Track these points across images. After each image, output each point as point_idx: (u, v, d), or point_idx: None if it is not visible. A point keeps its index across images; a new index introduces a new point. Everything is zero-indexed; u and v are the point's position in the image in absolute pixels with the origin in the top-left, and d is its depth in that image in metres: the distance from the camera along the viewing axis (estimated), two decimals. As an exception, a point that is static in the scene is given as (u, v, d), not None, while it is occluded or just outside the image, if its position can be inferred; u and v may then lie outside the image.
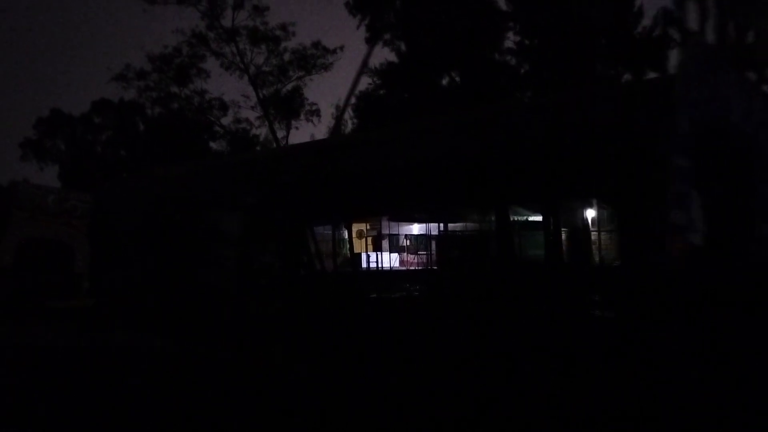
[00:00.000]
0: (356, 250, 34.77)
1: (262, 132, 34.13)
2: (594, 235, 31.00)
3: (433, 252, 31.87)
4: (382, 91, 27.50)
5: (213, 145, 37.71)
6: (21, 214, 12.47)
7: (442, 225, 31.26)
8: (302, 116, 32.77)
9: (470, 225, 31.38)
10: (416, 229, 34.57)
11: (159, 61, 32.31)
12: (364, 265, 31.22)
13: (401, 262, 31.64)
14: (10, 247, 12.04)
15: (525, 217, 30.09)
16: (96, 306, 12.34)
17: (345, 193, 13.20)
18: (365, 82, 28.40)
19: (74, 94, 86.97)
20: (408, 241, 34.07)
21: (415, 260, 32.08)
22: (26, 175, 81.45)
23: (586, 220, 29.51)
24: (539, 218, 29.90)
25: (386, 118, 24.60)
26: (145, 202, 13.62)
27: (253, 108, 32.90)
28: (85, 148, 55.40)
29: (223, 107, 33.31)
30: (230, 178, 13.97)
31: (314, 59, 31.94)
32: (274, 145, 32.78)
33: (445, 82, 25.62)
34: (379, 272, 29.57)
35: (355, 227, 32.79)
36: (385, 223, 31.70)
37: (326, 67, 32.20)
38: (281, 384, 6.54)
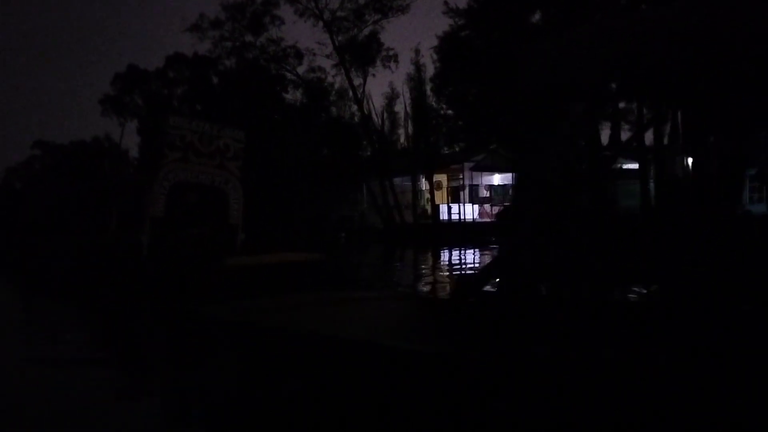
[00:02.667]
0: (435, 202, 33.71)
1: (337, 80, 33.01)
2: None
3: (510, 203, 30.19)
4: (464, 32, 25.71)
5: (287, 96, 36.86)
6: (173, 155, 10.86)
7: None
8: (378, 62, 31.39)
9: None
10: (497, 179, 33.06)
11: (233, 10, 31.50)
12: (443, 216, 30.04)
13: (481, 213, 30.21)
14: (161, 193, 10.56)
15: (619, 165, 28.08)
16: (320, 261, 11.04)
17: None
18: (447, 23, 26.63)
19: (151, 48, 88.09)
20: (489, 192, 32.58)
21: (494, 211, 30.60)
22: (108, 130, 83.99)
23: (687, 167, 27.19)
24: (633, 166, 27.91)
25: (471, 61, 22.92)
26: None
27: (328, 56, 31.88)
28: (161, 103, 56.00)
29: (298, 55, 32.42)
30: None
31: (391, 0, 30.33)
32: (351, 93, 31.70)
33: (536, 18, 23.60)
34: (460, 224, 28.32)
35: (435, 178, 31.60)
36: (465, 173, 30.27)
37: (403, 9, 30.59)
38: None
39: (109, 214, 13.87)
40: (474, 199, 31.50)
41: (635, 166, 28.40)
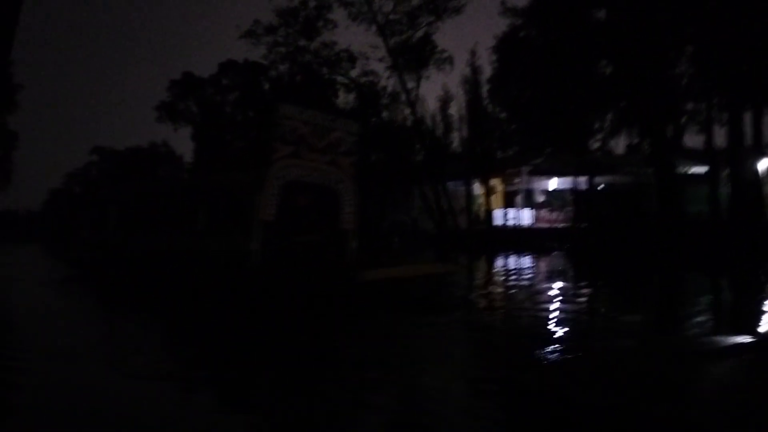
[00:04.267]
0: (490, 207, 32.89)
1: (390, 84, 32.53)
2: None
3: (571, 208, 29.12)
4: (523, 32, 24.86)
5: (339, 100, 36.57)
6: (284, 150, 9.49)
7: (586, 178, 28.47)
8: (432, 65, 30.77)
9: (619, 178, 28.38)
10: (553, 184, 32.00)
11: (286, 15, 31.40)
12: (498, 222, 29.16)
13: (537, 218, 29.22)
14: (273, 194, 9.23)
15: (685, 170, 26.67)
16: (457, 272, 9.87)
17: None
18: (504, 23, 25.80)
19: (204, 56, 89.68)
20: (545, 197, 31.53)
21: (553, 217, 29.53)
22: (163, 136, 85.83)
23: (757, 171, 25.61)
24: (701, 169, 26.51)
25: (530, 61, 22.07)
26: None
27: (381, 60, 31.50)
28: (214, 109, 56.85)
29: (351, 59, 32.12)
30: None
31: (445, 2, 29.66)
32: (404, 97, 31.16)
33: (601, 15, 22.57)
34: (516, 229, 27.41)
35: (489, 182, 30.77)
36: (523, 177, 29.33)
37: (458, 10, 29.91)
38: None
39: (194, 217, 12.20)
40: (530, 203, 30.55)
41: (703, 169, 26.48)
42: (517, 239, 24.43)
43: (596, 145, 30.33)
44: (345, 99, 35.95)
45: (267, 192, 9.10)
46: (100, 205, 15.37)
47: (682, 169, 26.57)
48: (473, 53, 27.96)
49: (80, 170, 71.51)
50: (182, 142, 71.02)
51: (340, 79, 33.61)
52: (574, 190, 28.26)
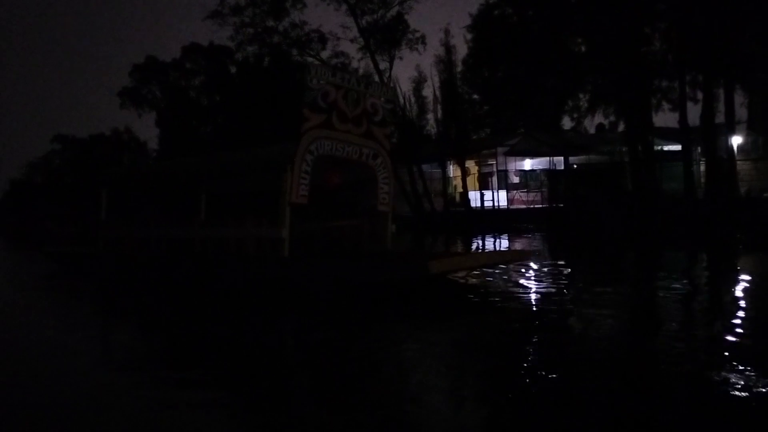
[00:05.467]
0: (461, 189, 32.59)
1: (362, 65, 31.86)
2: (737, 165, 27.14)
3: (547, 188, 29.01)
4: (498, 11, 24.43)
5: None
6: (315, 119, 7.89)
7: (561, 158, 28.36)
8: (404, 45, 30.19)
9: (594, 158, 28.32)
10: (528, 164, 31.83)
11: (253, -6, 30.39)
12: (475, 204, 28.87)
13: (513, 200, 29.01)
14: (305, 171, 7.73)
15: (659, 147, 26.72)
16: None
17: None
18: (479, 1, 25.34)
19: (168, 39, 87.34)
20: (519, 178, 31.34)
21: (529, 197, 29.37)
22: (126, 122, 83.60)
23: (730, 148, 25.78)
24: (675, 147, 26.59)
25: (505, 39, 21.67)
26: None
27: (352, 41, 30.74)
28: (179, 94, 55.49)
29: (322, 40, 31.43)
30: None
31: (417, -20, 29.05)
32: (376, 78, 30.48)
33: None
34: (493, 211, 27.17)
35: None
36: (498, 158, 29.06)
37: (430, -11, 29.19)
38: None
39: (194, 204, 11.04)
40: (505, 185, 30.32)
41: (677, 147, 26.55)
42: (495, 221, 24.17)
43: (571, 124, 30.24)
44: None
45: (297, 169, 7.66)
46: (83, 193, 13.73)
47: (656, 147, 26.62)
48: (447, 33, 27.46)
49: (41, 159, 69.34)
50: (147, 129, 69.34)
51: (310, 60, 32.76)
52: (549, 171, 28.12)
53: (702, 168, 28.48)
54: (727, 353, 4.17)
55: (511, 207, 28.00)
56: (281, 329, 5.93)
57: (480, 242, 17.27)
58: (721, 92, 25.32)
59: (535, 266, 9.19)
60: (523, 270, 8.77)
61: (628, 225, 19.52)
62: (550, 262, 10.34)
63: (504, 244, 16.75)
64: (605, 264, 11.23)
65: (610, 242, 15.84)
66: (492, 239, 18.12)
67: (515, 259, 8.88)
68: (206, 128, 53.39)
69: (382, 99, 8.83)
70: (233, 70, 49.35)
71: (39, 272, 11.49)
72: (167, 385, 3.95)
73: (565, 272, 8.87)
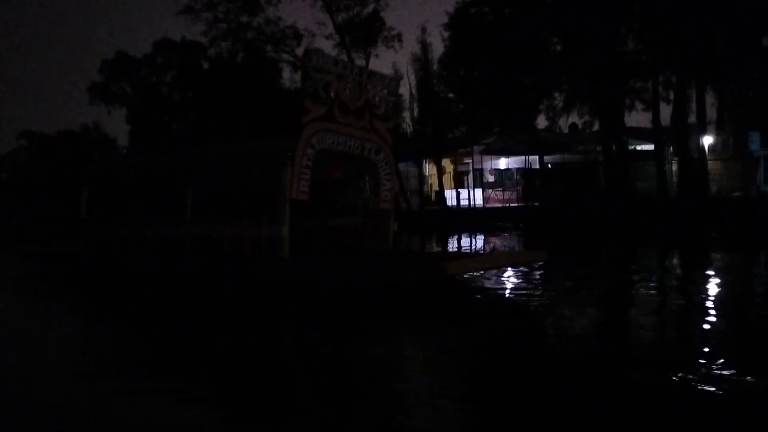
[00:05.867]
0: (437, 188, 32.58)
1: (338, 62, 31.51)
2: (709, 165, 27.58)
3: (522, 187, 29.10)
4: (474, 9, 24.39)
5: (283, 81, 35.44)
6: (316, 111, 7.47)
7: (537, 157, 28.49)
8: (380, 42, 30.02)
9: (568, 157, 28.52)
10: (504, 163, 31.91)
11: (227, -11, 29.91)
12: (451, 202, 28.86)
13: (488, 198, 29.05)
14: (306, 166, 7.35)
15: (633, 147, 27.03)
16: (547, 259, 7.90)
17: None
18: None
19: (139, 35, 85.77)
20: (494, 177, 31.40)
21: (502, 196, 29.44)
22: (96, 118, 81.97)
23: (701, 147, 26.18)
24: (648, 147, 26.89)
25: (482, 38, 21.68)
26: None
27: (328, 37, 30.43)
28: (150, 90, 54.57)
29: (297, 36, 31.12)
30: None
31: (393, -23, 28.90)
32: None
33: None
34: (469, 209, 27.20)
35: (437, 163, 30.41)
36: (475, 157, 29.07)
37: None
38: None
39: (181, 201, 10.45)
40: (479, 183, 30.36)
41: (649, 146, 26.87)
42: (472, 219, 24.19)
43: (546, 123, 30.40)
44: (291, 78, 34.83)
45: (298, 164, 7.24)
46: (55, 190, 13.02)
47: (630, 147, 26.94)
48: (424, 30, 27.34)
49: (7, 156, 67.54)
50: (116, 125, 68.05)
51: (285, 57, 32.46)
52: (524, 169, 28.24)
53: (674, 167, 28.92)
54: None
55: (487, 206, 28.04)
56: (281, 335, 5.56)
57: (470, 241, 17.21)
58: (693, 93, 25.72)
59: (543, 268, 8.88)
60: (535, 270, 8.67)
61: (604, 224, 19.68)
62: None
63: (506, 243, 16.69)
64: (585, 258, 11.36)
65: (591, 240, 15.94)
66: (471, 238, 18.08)
67: (533, 260, 8.49)
68: (178, 125, 52.65)
69: (385, 91, 8.38)
70: (206, 66, 48.71)
71: (12, 273, 10.78)
72: (152, 397, 3.62)
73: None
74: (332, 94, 7.57)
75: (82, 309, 7.57)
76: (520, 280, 7.99)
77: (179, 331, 5.70)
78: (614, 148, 24.15)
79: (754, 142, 28.56)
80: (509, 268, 8.63)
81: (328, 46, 49.82)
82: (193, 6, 30.72)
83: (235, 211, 8.34)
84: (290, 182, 7.24)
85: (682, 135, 24.37)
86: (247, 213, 8.02)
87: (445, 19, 26.36)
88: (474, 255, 7.42)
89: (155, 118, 52.56)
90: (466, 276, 7.66)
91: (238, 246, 8.01)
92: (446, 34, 26.54)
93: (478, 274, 7.84)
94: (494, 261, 7.45)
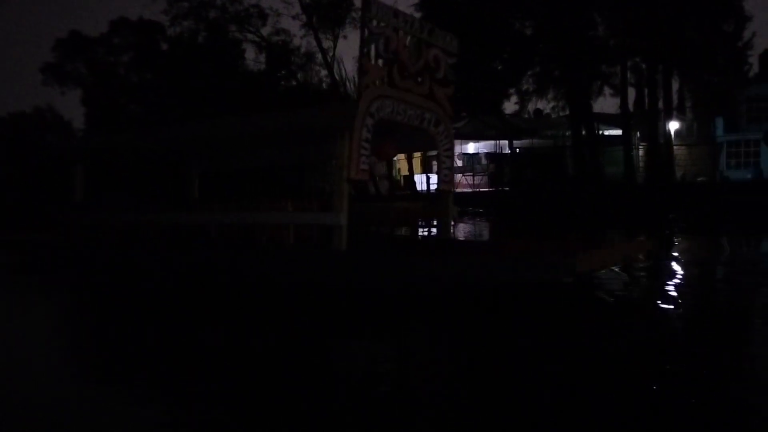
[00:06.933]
0: (405, 172, 32.31)
1: (304, 43, 30.87)
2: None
3: (491, 172, 29.02)
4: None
5: (248, 61, 34.46)
6: (376, 72, 6.22)
7: (507, 142, 28.42)
8: (348, 23, 29.31)
9: (537, 142, 28.52)
10: (472, 147, 31.75)
11: (189, -35, 28.81)
12: (422, 187, 28.61)
13: (455, 184, 28.83)
14: (365, 140, 6.14)
15: (601, 132, 27.17)
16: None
17: None
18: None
19: (94, 13, 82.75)
20: (462, 161, 31.26)
21: (472, 181, 29.32)
22: (49, 100, 79.00)
23: (669, 133, 26.50)
24: (616, 132, 27.06)
25: (454, 19, 21.29)
26: None
27: (294, 17, 29.59)
28: (106, 71, 52.84)
29: (262, 15, 30.17)
30: None
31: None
32: (320, 57, 29.63)
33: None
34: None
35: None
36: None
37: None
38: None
39: (186, 185, 9.19)
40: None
41: (617, 132, 26.99)
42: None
43: (514, 108, 30.31)
44: (256, 59, 33.88)
45: (357, 136, 6.02)
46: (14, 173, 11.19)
47: (598, 132, 27.06)
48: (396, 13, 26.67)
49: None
50: (71, 107, 65.71)
51: (249, 37, 31.53)
52: (494, 154, 28.14)
53: (641, 153, 29.24)
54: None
55: (457, 191, 27.86)
56: (351, 358, 4.02)
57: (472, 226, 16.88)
58: (660, 79, 25.92)
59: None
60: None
61: (574, 208, 19.69)
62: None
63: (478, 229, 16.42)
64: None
65: (565, 225, 15.86)
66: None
67: (641, 250, 7.13)
68: (136, 106, 51.13)
69: (444, 52, 7.26)
70: (165, 47, 47.28)
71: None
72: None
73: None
74: (392, 53, 6.48)
75: (76, 307, 6.34)
76: (625, 275, 6.86)
77: (195, 344, 4.40)
78: (584, 132, 24.16)
79: (718, 128, 29.09)
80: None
81: (294, 27, 48.79)
82: (152, -18, 29.48)
83: (249, 194, 7.29)
84: (349, 158, 6.03)
85: (651, 121, 24.55)
86: (264, 196, 6.98)
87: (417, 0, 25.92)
88: (599, 247, 5.59)
89: (112, 100, 51.02)
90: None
91: (278, 237, 6.73)
92: (418, 15, 25.93)
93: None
94: (620, 253, 6.22)
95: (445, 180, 7.48)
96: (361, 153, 6.10)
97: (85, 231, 8.76)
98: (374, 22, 6.22)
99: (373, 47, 6.23)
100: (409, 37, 6.64)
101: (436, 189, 7.59)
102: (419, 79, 6.82)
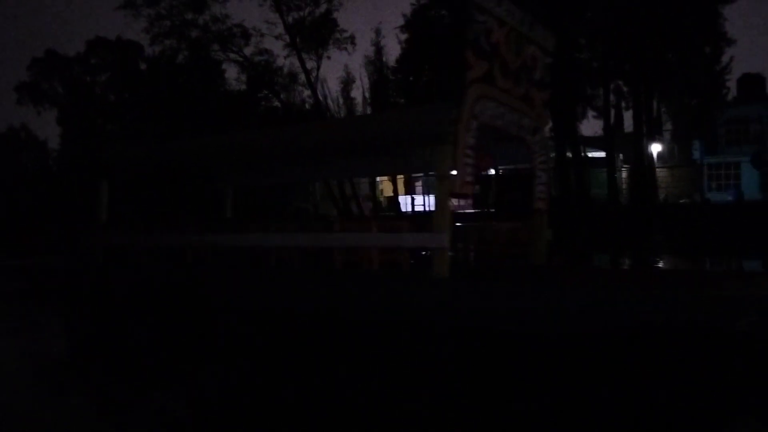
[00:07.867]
0: (389, 194, 32.15)
1: (287, 63, 30.69)
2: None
3: (475, 193, 28.79)
4: (433, 12, 23.99)
5: (230, 81, 34.17)
6: (479, 67, 5.25)
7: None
8: (332, 44, 29.23)
9: (521, 164, 28.49)
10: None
11: (171, -16, 28.53)
12: (406, 208, 28.40)
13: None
14: (469, 147, 5.20)
15: (584, 154, 27.30)
16: None
17: None
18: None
19: (71, 33, 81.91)
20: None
21: (457, 203, 29.06)
22: (24, 120, 77.53)
23: (651, 155, 26.71)
24: (599, 154, 27.19)
25: (441, 41, 21.31)
26: None
27: (278, 37, 29.40)
28: (83, 90, 52.18)
29: (245, 35, 29.92)
30: None
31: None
32: (303, 77, 29.43)
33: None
34: (426, 214, 26.79)
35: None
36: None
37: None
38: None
39: (221, 201, 8.59)
40: (427, 189, 30.10)
41: (600, 154, 27.05)
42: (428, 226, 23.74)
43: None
44: (238, 78, 33.59)
45: (462, 143, 5.12)
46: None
47: (582, 154, 27.20)
48: (378, 33, 26.79)
49: None
50: (46, 127, 64.63)
51: (232, 56, 31.26)
52: (479, 176, 28.01)
53: (624, 175, 29.42)
54: None
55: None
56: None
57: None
58: (642, 101, 26.19)
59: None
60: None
61: (563, 230, 19.60)
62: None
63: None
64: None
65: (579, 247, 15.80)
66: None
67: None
68: (113, 126, 50.43)
69: (541, 50, 6.40)
70: (143, 66, 46.85)
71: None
72: None
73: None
74: (493, 46, 5.69)
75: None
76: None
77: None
78: (569, 154, 24.21)
79: (698, 151, 29.45)
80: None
81: (278, 47, 48.51)
82: (133, 1, 29.11)
83: (270, 212, 6.62)
84: (453, 168, 5.12)
85: (634, 143, 24.72)
86: (288, 216, 6.22)
87: (402, 21, 25.98)
88: (742, 275, 4.72)
89: (89, 120, 50.26)
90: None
91: (359, 260, 5.89)
92: (403, 37, 26.17)
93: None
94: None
95: (541, 197, 6.72)
96: (466, 162, 5.28)
97: (117, 254, 7.81)
98: (479, 9, 5.42)
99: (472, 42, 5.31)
100: (510, 29, 5.86)
101: (532, 207, 6.65)
102: (518, 80, 6.05)
